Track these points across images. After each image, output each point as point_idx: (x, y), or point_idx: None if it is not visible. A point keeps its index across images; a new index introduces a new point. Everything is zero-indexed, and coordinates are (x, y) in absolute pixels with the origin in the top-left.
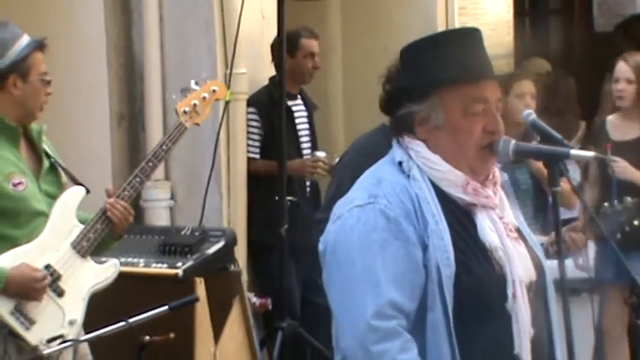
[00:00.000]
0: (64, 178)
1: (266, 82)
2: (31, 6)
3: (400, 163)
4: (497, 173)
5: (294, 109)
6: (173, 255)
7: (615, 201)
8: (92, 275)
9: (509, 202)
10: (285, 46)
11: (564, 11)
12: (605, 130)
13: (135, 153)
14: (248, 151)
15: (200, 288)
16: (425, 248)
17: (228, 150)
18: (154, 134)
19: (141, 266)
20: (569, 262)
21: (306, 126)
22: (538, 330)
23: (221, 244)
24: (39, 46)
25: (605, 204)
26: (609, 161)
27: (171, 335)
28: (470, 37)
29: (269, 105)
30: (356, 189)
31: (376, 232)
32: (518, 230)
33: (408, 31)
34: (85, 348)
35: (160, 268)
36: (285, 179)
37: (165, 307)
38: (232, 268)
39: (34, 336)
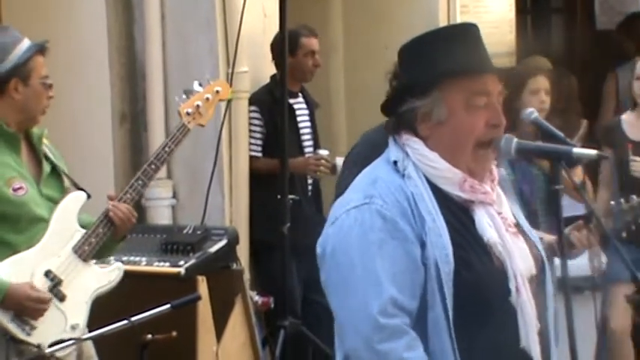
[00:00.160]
0: (66, 182)
1: (268, 81)
2: (32, 6)
3: (395, 162)
4: (495, 169)
5: (295, 107)
6: (175, 254)
7: (622, 200)
8: (94, 279)
9: (507, 198)
10: (287, 45)
11: (566, 9)
12: (621, 130)
13: (137, 153)
14: (250, 150)
15: (202, 287)
16: (423, 246)
17: (231, 149)
18: (156, 134)
19: (143, 265)
20: (583, 263)
21: (308, 124)
22: (542, 323)
23: (223, 242)
24: (40, 49)
25: (612, 202)
26: (631, 160)
27: (174, 334)
28: (469, 32)
29: (270, 103)
30: (352, 190)
31: (373, 232)
32: (517, 225)
33: (410, 29)
34: (90, 350)
35: (162, 267)
36: (287, 178)
37: (168, 306)
38: (234, 266)
39: (35, 341)
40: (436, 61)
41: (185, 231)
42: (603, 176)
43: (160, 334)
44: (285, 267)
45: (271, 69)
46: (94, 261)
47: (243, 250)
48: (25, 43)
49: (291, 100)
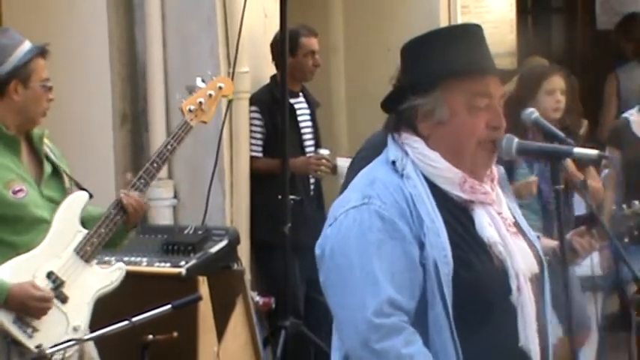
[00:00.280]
0: (68, 182)
1: (268, 81)
2: (33, 6)
3: (394, 162)
4: (494, 168)
5: (296, 106)
6: (176, 254)
7: (624, 205)
8: (96, 280)
9: (506, 196)
10: (287, 45)
11: (567, 9)
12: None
13: (138, 153)
14: (250, 150)
15: (203, 287)
16: (422, 247)
17: (231, 149)
18: (157, 134)
19: (144, 265)
20: (585, 263)
21: (309, 123)
22: (541, 322)
23: (224, 242)
24: (40, 52)
25: (614, 207)
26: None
27: (175, 334)
28: (473, 33)
29: (271, 103)
30: (350, 190)
31: (372, 232)
32: (516, 224)
33: (411, 29)
34: (92, 351)
35: (163, 267)
36: (287, 178)
37: (169, 306)
38: (235, 267)
39: (37, 343)
40: (439, 61)
41: (186, 231)
42: (609, 178)
43: (160, 334)
44: (287, 267)
45: (272, 69)
46: (96, 261)
47: (244, 251)
48: (26, 46)
49: (292, 100)
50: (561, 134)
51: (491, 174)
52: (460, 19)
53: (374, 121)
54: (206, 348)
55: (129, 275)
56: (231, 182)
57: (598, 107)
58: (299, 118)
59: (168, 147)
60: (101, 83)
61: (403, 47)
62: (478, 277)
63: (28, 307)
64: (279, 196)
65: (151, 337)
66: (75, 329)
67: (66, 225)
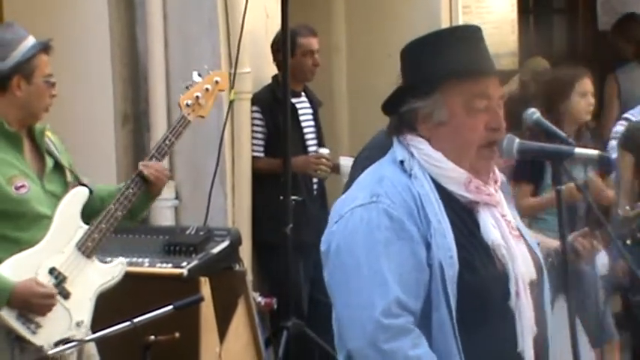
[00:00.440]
0: (70, 177)
1: (270, 81)
2: (34, 6)
3: (402, 162)
4: (497, 172)
5: (298, 106)
6: (178, 255)
7: (627, 206)
8: (98, 275)
9: (507, 201)
10: (288, 45)
11: (568, 10)
12: None
13: (139, 153)
14: (252, 150)
15: (205, 287)
16: (428, 247)
17: (233, 149)
18: (159, 134)
19: (146, 266)
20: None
21: (312, 123)
22: (540, 328)
23: (226, 243)
24: (44, 48)
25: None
26: None
27: (176, 335)
28: (472, 34)
29: (272, 103)
30: (356, 188)
31: (380, 231)
32: (518, 229)
33: (412, 29)
34: (92, 349)
35: (164, 268)
36: (289, 178)
37: (170, 307)
38: (237, 267)
39: (41, 340)
40: (438, 63)
41: (188, 232)
42: (624, 183)
43: (162, 335)
44: (288, 268)
45: (273, 69)
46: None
47: (245, 251)
48: (30, 41)
49: (294, 100)
50: (563, 134)
51: (494, 176)
52: (461, 20)
53: (376, 121)
54: (208, 349)
55: (130, 276)
56: (232, 183)
57: (599, 108)
58: (301, 118)
59: (167, 141)
60: (102, 84)
61: (402, 50)
62: (481, 280)
63: (32, 304)
64: (281, 197)
65: (152, 337)
66: (78, 324)
67: (67, 221)
